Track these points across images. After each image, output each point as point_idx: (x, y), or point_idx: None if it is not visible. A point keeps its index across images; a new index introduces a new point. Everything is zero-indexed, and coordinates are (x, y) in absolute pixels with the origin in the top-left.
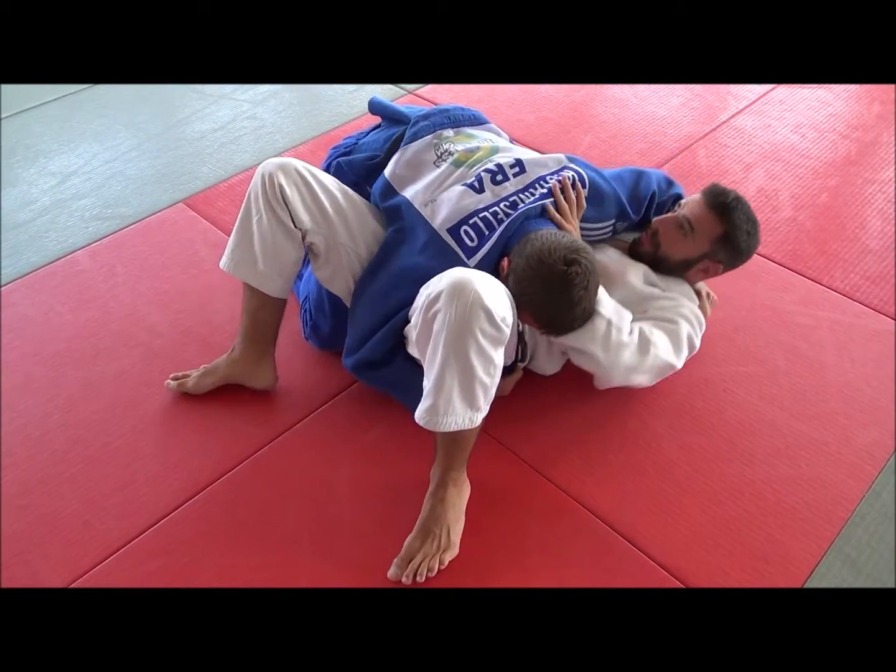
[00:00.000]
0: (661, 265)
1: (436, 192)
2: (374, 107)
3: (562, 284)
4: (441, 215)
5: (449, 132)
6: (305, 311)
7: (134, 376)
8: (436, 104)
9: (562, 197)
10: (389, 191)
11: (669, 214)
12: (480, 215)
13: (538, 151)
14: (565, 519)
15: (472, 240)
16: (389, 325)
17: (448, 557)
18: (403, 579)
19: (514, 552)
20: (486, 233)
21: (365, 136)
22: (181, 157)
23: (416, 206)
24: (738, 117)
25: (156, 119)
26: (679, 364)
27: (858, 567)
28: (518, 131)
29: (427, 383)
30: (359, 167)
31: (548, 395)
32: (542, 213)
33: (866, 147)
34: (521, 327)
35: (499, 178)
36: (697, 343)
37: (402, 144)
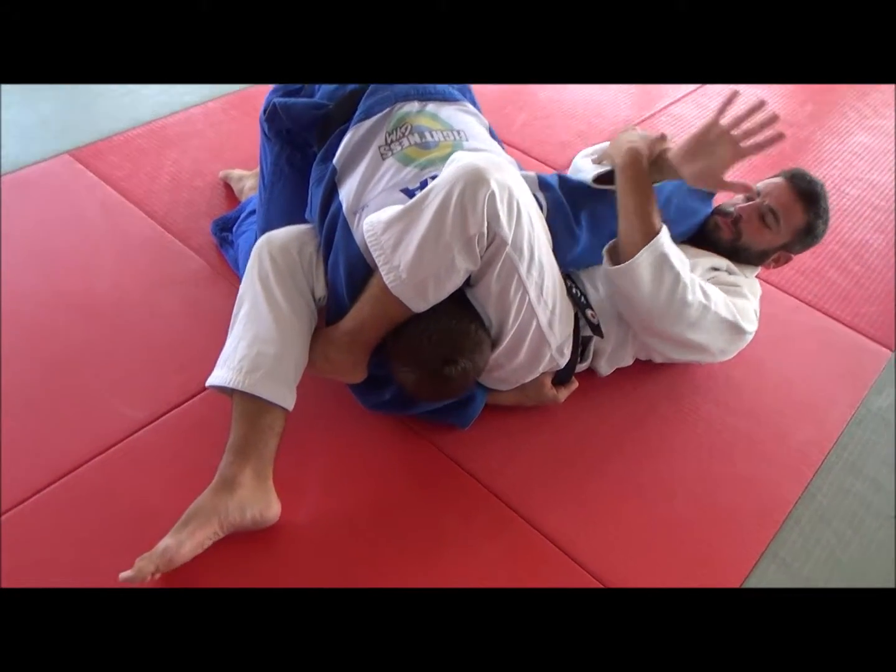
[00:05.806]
0: (738, 254)
1: (370, 196)
2: None
3: (434, 382)
4: None
5: (413, 106)
6: None
7: None
8: None
9: None
10: (331, 188)
11: (753, 203)
12: None
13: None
14: (485, 516)
15: None
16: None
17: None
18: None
19: (432, 551)
20: None
21: None
22: (70, 105)
23: (346, 213)
24: (676, 105)
25: None
26: (744, 325)
27: (793, 572)
28: None
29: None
30: (299, 115)
31: None
32: None
33: (800, 143)
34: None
35: None
36: (750, 322)
37: (353, 121)
